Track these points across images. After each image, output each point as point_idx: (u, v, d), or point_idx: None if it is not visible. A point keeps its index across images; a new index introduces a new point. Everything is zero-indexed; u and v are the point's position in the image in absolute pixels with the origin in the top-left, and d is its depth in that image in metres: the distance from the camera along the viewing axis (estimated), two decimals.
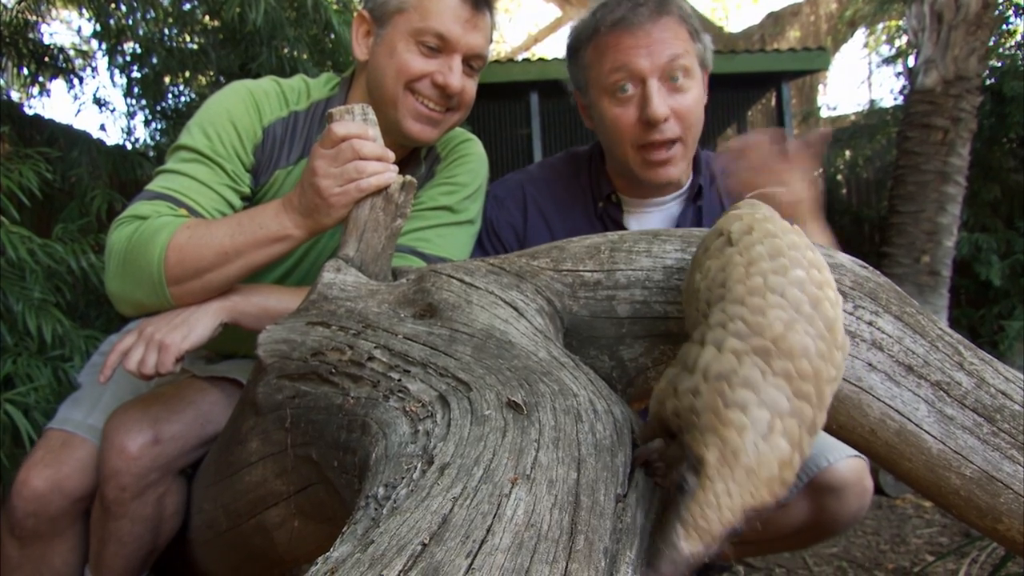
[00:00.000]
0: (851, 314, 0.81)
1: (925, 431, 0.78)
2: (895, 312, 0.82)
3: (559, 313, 0.87)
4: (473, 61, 1.25)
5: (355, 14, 1.30)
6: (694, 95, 1.27)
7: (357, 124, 1.00)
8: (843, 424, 0.82)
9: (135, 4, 2.35)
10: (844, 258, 0.87)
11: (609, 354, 0.86)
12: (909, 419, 0.79)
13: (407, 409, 0.68)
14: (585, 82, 1.33)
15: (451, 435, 0.59)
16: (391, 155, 1.01)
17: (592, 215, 1.39)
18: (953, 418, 0.78)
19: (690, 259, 0.87)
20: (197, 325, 1.05)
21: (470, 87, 1.27)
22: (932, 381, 0.79)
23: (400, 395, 0.70)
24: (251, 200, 1.24)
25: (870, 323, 0.81)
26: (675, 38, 1.25)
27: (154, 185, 1.15)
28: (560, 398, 0.64)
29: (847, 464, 1.34)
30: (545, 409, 0.61)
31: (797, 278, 0.54)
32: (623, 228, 1.34)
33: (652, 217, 1.38)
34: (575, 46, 1.34)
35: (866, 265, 0.88)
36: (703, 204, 1.37)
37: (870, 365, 0.80)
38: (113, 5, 2.49)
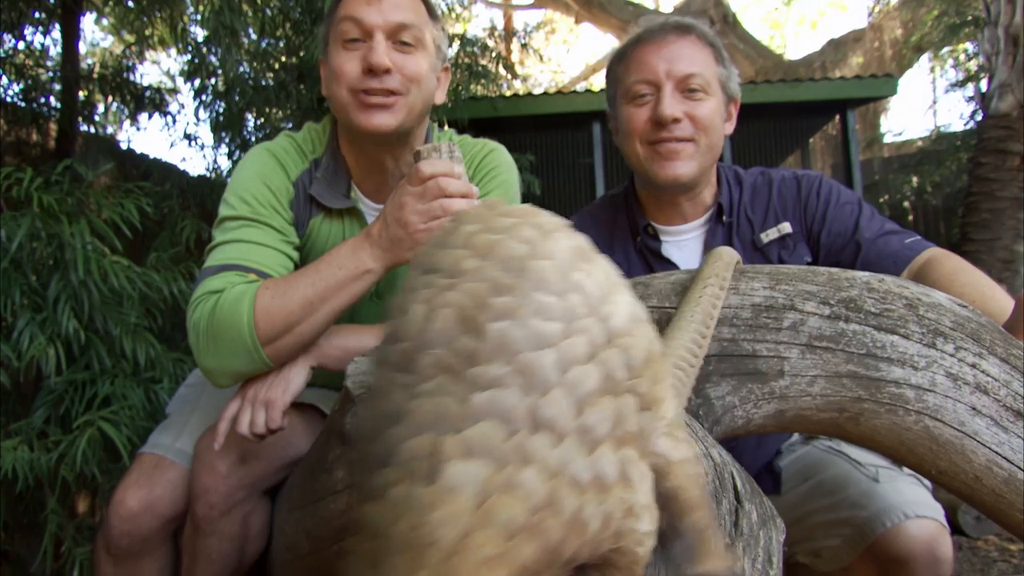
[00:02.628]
0: (952, 356, 0.78)
1: None
2: (1000, 354, 0.79)
3: None
4: (401, 35, 1.20)
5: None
6: (711, 106, 1.29)
7: (444, 162, 1.04)
8: (944, 470, 0.79)
9: (229, 43, 2.50)
10: (941, 297, 0.84)
11: (695, 392, 0.85)
12: (1020, 467, 0.75)
13: None
14: (614, 96, 1.37)
15: None
16: (475, 191, 1.04)
17: (632, 251, 1.38)
18: None
19: (778, 296, 0.87)
20: (292, 377, 1.10)
21: (408, 63, 1.20)
22: None
23: None
24: (299, 251, 1.26)
25: (973, 365, 0.78)
26: (697, 55, 1.29)
27: (213, 260, 1.15)
28: None
29: (914, 528, 1.07)
30: None
31: None
32: (662, 258, 1.34)
33: (689, 241, 1.37)
34: (609, 68, 1.39)
35: (966, 304, 0.84)
36: (732, 221, 1.35)
37: (974, 409, 0.77)
38: (207, 49, 2.66)
